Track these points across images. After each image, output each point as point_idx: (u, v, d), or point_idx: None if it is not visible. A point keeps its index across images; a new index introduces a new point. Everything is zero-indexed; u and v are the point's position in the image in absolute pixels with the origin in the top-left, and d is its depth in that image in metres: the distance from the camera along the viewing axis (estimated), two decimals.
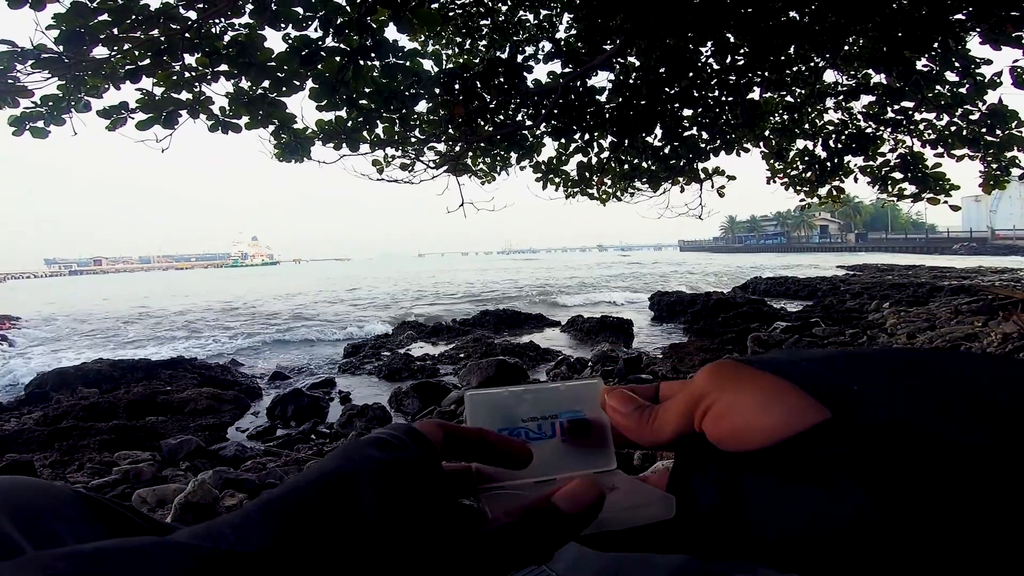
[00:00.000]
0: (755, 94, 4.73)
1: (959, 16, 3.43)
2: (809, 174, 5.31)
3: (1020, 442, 0.24)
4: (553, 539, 0.30)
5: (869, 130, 4.80)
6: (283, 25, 2.88)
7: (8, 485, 0.50)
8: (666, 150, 5.00)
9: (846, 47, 4.38)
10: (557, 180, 5.47)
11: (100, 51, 2.63)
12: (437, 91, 4.01)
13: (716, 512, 0.30)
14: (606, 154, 5.18)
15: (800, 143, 5.39)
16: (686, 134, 4.90)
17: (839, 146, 4.97)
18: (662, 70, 4.38)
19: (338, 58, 3.10)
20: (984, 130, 4.14)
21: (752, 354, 5.16)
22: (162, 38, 2.68)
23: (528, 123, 4.59)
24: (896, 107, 4.46)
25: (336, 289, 27.19)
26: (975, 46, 3.76)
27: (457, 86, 4.07)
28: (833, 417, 0.26)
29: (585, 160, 5.21)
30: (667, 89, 4.49)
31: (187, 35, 2.72)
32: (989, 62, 3.89)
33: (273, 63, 3.06)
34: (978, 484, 0.23)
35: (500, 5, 4.97)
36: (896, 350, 0.29)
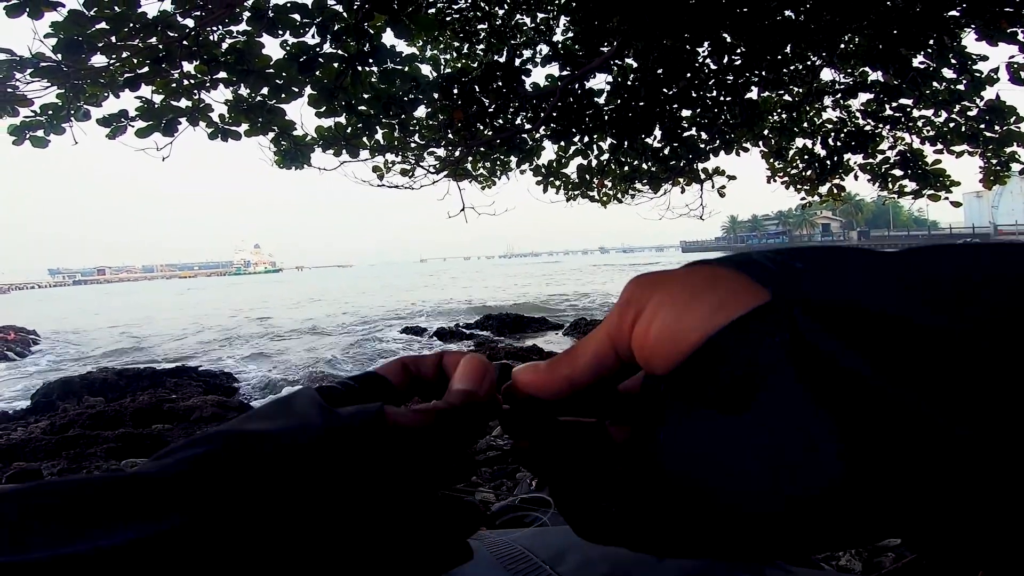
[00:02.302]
0: (753, 93, 4.73)
1: (953, 13, 3.43)
2: (809, 172, 5.30)
3: None
4: (461, 426, 0.28)
5: (868, 128, 4.80)
6: (280, 32, 2.89)
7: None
8: (666, 151, 5.00)
9: (842, 45, 4.37)
10: (558, 183, 5.48)
11: (99, 59, 2.64)
12: (436, 96, 4.02)
13: (637, 463, 0.24)
14: (606, 156, 5.18)
15: (799, 142, 5.38)
16: (685, 135, 4.90)
17: (838, 144, 4.96)
18: (660, 71, 4.38)
19: (336, 64, 3.11)
20: (983, 126, 4.13)
21: None
22: (160, 46, 2.69)
23: (527, 127, 4.59)
24: (894, 104, 4.45)
25: (348, 300, 27.05)
26: (971, 42, 3.76)
27: (455, 91, 4.07)
28: (773, 298, 0.20)
29: (585, 162, 5.22)
30: (665, 90, 4.49)
31: (185, 43, 2.73)
32: (985, 58, 3.88)
33: (271, 70, 3.07)
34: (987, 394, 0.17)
35: (497, 9, 4.99)
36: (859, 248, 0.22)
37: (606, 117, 4.62)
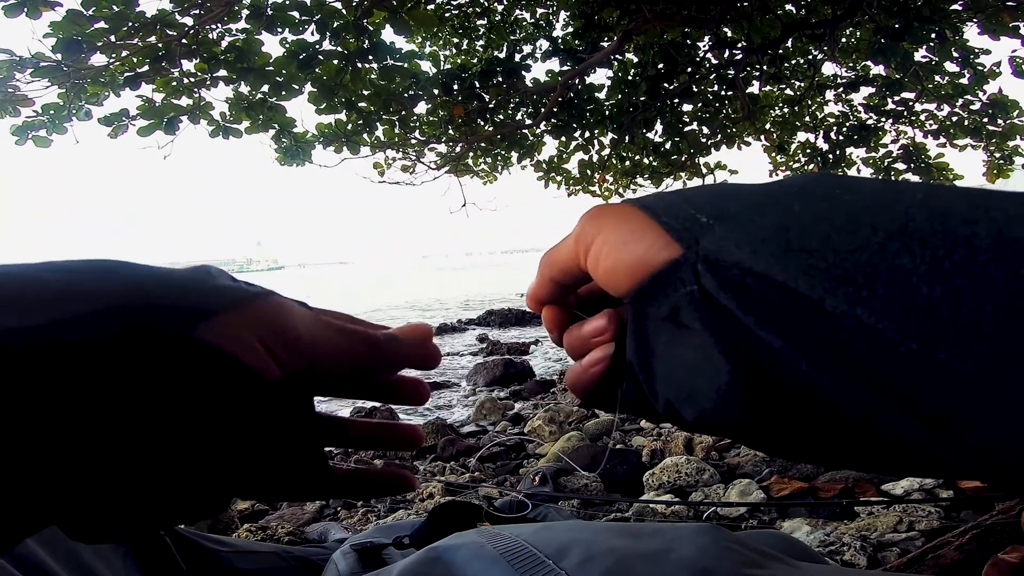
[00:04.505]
0: (754, 88, 4.71)
1: (956, 7, 3.41)
2: (811, 166, 5.29)
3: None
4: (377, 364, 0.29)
5: (870, 121, 4.78)
6: (280, 29, 2.89)
7: None
8: (667, 145, 4.99)
9: (844, 39, 4.35)
10: (559, 179, 5.47)
11: (98, 59, 2.64)
12: (436, 92, 4.01)
13: (639, 371, 0.27)
14: (607, 151, 5.17)
15: (801, 136, 5.37)
16: (686, 129, 4.89)
17: (840, 138, 4.95)
18: (660, 66, 4.37)
19: (336, 61, 3.11)
20: (986, 120, 4.11)
21: None
22: (159, 45, 2.69)
23: (528, 122, 4.58)
24: (896, 98, 4.43)
25: (350, 295, 27.07)
26: (973, 36, 3.74)
27: (456, 86, 4.07)
28: (683, 254, 0.23)
29: (586, 158, 5.21)
30: (666, 84, 4.47)
31: (184, 41, 2.73)
32: (988, 52, 3.87)
33: (271, 68, 3.07)
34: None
35: (496, 5, 4.97)
36: (809, 177, 0.25)
37: (607, 112, 4.61)
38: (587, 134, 4.94)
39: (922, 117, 4.57)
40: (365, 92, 3.55)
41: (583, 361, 0.30)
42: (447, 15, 4.82)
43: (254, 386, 0.23)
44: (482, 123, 4.40)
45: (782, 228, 0.21)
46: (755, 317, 0.20)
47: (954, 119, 4.34)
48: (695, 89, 4.54)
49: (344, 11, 2.96)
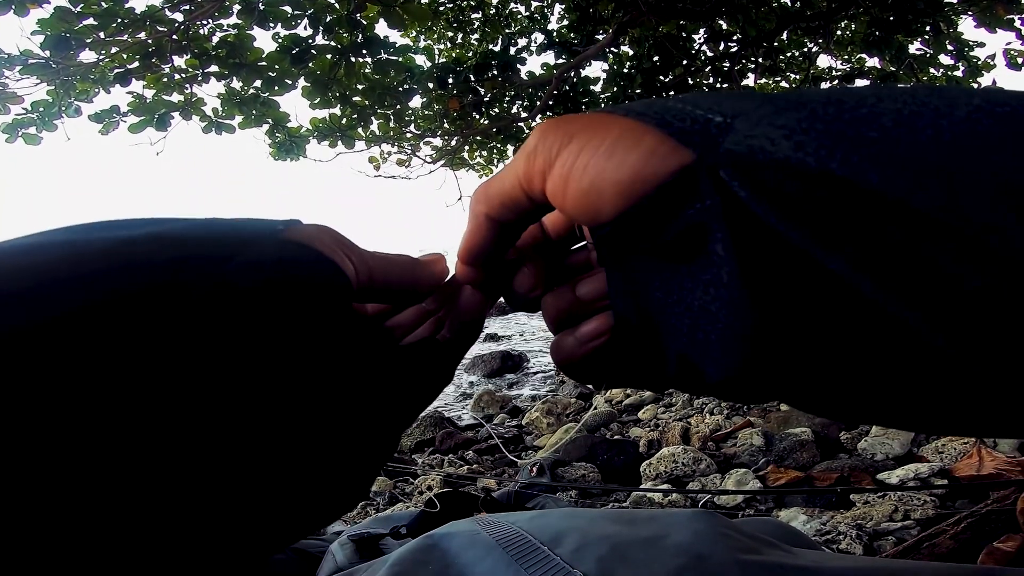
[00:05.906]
0: (750, 80, 4.71)
1: None
2: None
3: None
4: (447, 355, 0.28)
5: None
6: (272, 24, 2.87)
7: None
8: None
9: (839, 32, 4.35)
10: None
11: (88, 55, 2.62)
12: (431, 86, 4.00)
13: (639, 323, 0.22)
14: None
15: None
16: None
17: None
18: (656, 59, 4.36)
19: (329, 56, 3.09)
20: None
21: None
22: (149, 41, 2.67)
23: (523, 115, 4.57)
24: None
25: None
26: (968, 29, 3.75)
27: (451, 80, 4.05)
28: (697, 159, 0.18)
29: None
30: (661, 77, 4.47)
31: (175, 37, 2.71)
32: (982, 45, 3.88)
33: (264, 63, 3.05)
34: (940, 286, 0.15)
35: None
36: (804, 90, 0.20)
37: (602, 105, 4.61)
38: None
39: None
40: (359, 86, 3.53)
41: (580, 333, 0.25)
42: (441, 9, 4.80)
43: (345, 292, 0.22)
44: (477, 116, 4.39)
45: (824, 119, 0.17)
46: (800, 232, 0.16)
47: None
48: (691, 82, 4.54)
49: (337, 5, 2.94)
